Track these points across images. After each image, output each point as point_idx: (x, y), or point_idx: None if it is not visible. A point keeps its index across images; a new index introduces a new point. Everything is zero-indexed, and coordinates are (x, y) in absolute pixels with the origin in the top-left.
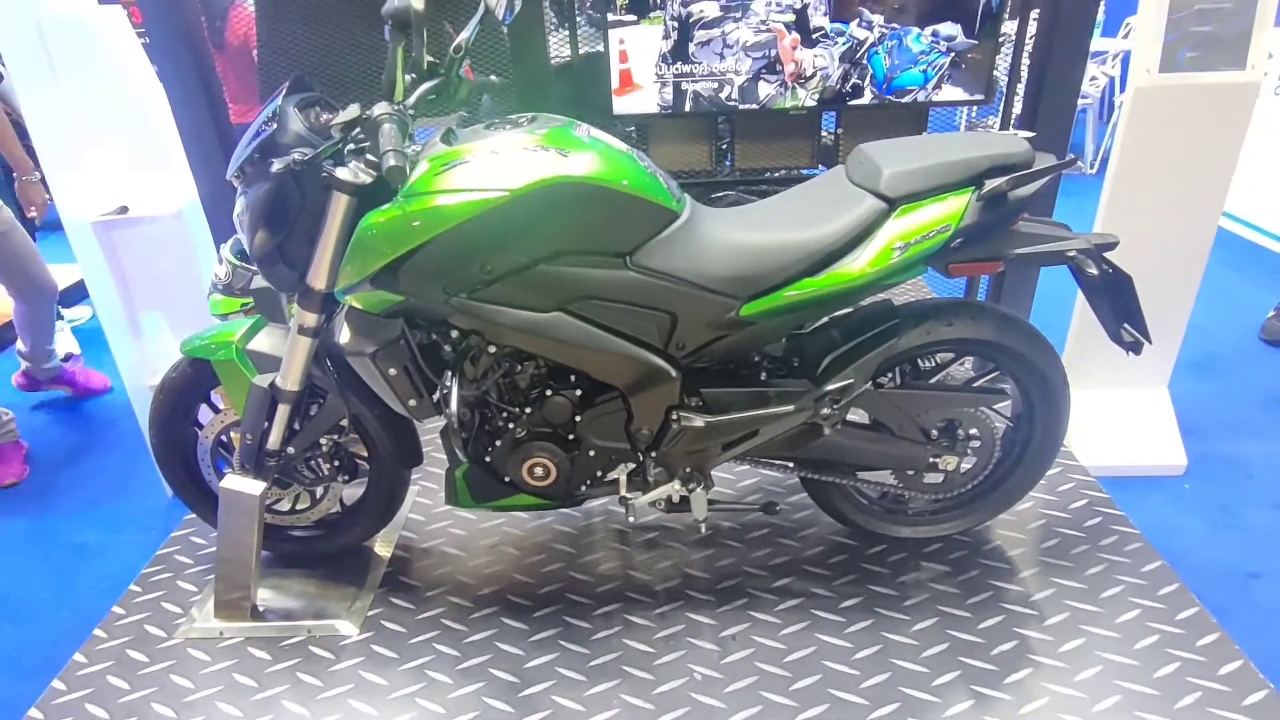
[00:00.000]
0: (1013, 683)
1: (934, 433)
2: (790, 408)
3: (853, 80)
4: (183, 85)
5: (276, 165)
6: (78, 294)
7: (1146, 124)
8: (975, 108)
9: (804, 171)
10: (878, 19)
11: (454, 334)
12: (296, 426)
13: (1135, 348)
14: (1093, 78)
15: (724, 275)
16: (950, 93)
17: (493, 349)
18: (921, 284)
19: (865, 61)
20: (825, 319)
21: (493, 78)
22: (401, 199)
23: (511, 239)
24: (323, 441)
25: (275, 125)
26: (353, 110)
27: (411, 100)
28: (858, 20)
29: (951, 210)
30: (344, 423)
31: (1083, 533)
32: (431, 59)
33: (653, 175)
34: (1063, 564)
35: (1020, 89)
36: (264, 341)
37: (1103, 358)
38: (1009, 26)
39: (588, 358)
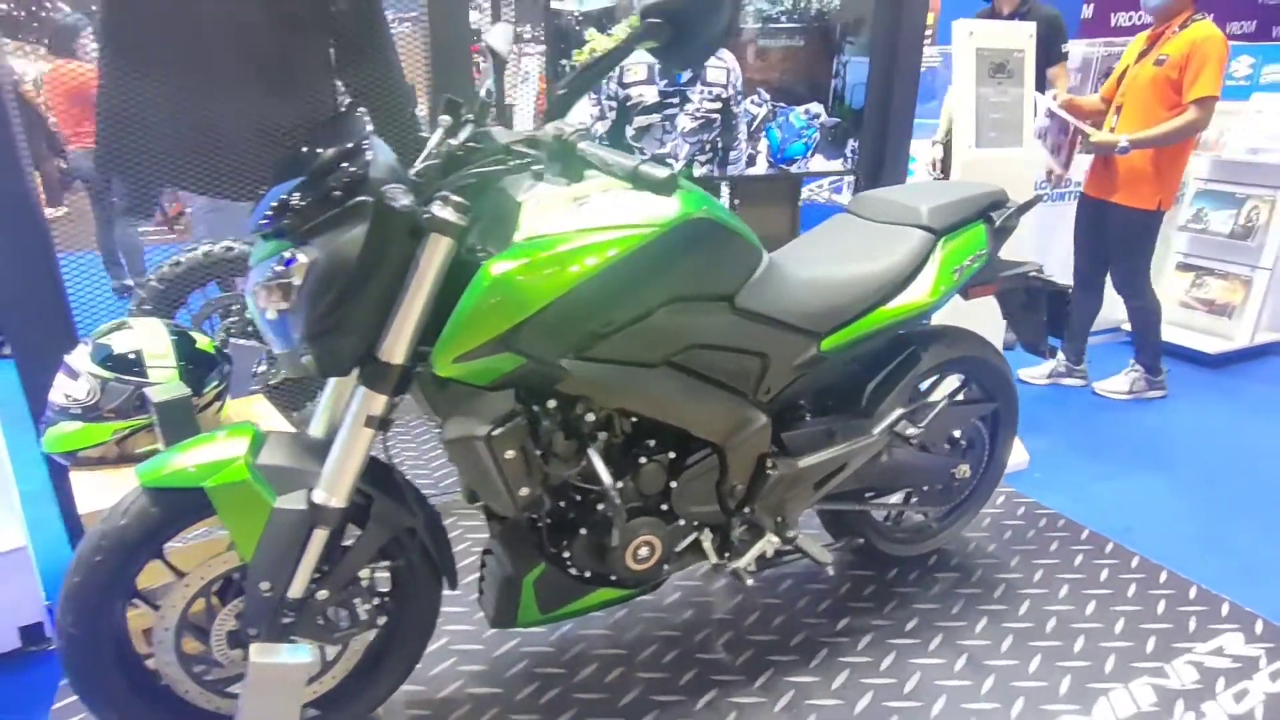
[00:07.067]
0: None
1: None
2: (873, 436)
3: (749, 151)
4: None
5: (398, 199)
6: None
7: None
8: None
9: None
10: (767, 97)
11: (551, 404)
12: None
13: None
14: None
15: (810, 311)
16: (819, 163)
17: (590, 416)
18: None
19: (762, 134)
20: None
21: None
22: (525, 243)
23: (646, 281)
24: (362, 576)
25: (364, 153)
26: (549, 129)
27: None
28: (753, 98)
29: (980, 239)
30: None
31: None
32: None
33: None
34: (1030, 548)
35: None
36: (275, 453)
37: None
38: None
39: (692, 412)
